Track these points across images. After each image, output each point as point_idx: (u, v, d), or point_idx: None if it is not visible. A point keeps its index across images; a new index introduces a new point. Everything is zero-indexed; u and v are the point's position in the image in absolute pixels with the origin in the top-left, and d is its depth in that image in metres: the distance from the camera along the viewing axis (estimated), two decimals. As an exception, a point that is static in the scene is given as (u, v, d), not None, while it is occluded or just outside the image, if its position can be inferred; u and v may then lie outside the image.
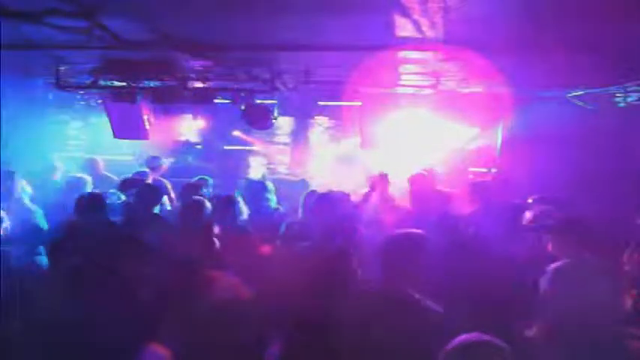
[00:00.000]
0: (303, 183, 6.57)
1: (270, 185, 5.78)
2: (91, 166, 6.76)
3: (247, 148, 9.05)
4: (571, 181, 5.41)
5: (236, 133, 8.68)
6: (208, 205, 4.40)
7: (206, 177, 6.29)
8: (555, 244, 3.30)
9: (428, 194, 5.13)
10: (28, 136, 7.54)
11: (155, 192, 4.97)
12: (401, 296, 2.60)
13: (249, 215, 4.77)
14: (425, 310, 2.55)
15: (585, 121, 5.75)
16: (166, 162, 7.23)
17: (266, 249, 3.91)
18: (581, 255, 3.15)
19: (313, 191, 5.17)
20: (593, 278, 3.02)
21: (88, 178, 5.83)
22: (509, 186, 5.44)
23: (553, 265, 3.17)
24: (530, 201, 4.47)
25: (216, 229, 3.62)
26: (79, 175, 5.93)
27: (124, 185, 5.52)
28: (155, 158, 6.99)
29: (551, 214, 3.76)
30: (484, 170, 7.29)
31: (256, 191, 5.60)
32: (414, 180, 5.41)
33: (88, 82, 5.80)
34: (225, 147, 8.80)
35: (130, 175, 6.17)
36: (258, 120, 6.47)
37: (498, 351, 1.99)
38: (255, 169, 9.00)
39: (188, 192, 5.28)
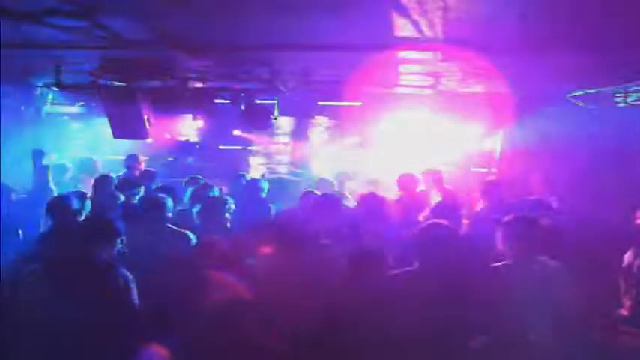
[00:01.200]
0: (323, 182, 6.31)
1: (265, 184, 5.79)
2: (89, 167, 6.72)
3: (245, 147, 9.04)
4: (571, 181, 5.41)
5: (236, 132, 8.68)
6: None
7: (198, 176, 6.27)
8: (501, 242, 3.32)
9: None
10: (28, 137, 7.56)
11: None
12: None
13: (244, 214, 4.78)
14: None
15: (586, 122, 5.75)
16: (143, 160, 7.17)
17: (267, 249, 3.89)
18: (523, 254, 3.17)
19: (310, 192, 5.15)
20: (527, 278, 3.04)
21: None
22: (509, 187, 5.44)
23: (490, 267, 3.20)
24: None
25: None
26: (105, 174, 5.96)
27: (123, 185, 5.50)
28: (132, 157, 6.93)
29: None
30: (484, 170, 7.29)
31: (253, 190, 5.58)
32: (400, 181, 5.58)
33: (87, 82, 5.79)
34: (221, 147, 8.76)
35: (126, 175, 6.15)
36: (258, 120, 6.48)
37: None
38: (255, 169, 9.00)
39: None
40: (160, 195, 4.35)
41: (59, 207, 4.07)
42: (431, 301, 2.62)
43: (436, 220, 3.19)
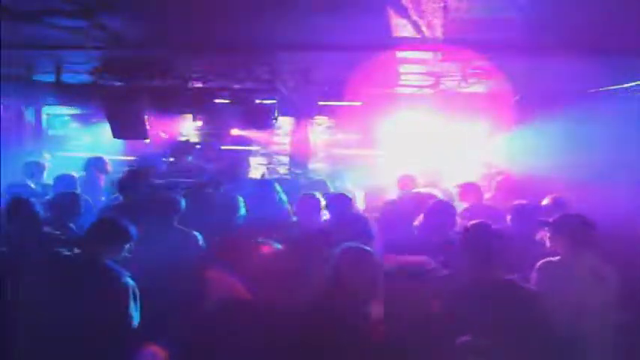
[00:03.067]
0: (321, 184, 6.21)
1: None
2: (97, 166, 6.54)
3: (245, 147, 9.02)
4: (572, 181, 5.39)
5: (236, 132, 8.66)
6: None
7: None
8: (551, 241, 3.29)
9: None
10: (29, 137, 7.57)
11: None
12: None
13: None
14: None
15: (587, 121, 5.73)
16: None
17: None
18: (576, 252, 3.13)
19: (311, 194, 4.93)
20: (579, 277, 3.01)
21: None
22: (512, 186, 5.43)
23: (540, 262, 3.17)
24: (545, 202, 4.44)
25: None
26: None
27: (122, 186, 5.41)
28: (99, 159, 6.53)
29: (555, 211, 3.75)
30: (484, 170, 7.27)
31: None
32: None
33: (88, 82, 5.80)
34: (222, 147, 8.73)
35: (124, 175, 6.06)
36: (259, 120, 6.49)
37: None
38: (255, 169, 8.99)
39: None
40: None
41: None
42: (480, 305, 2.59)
43: (483, 221, 3.09)
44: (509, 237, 3.73)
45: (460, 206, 5.10)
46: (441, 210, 3.92)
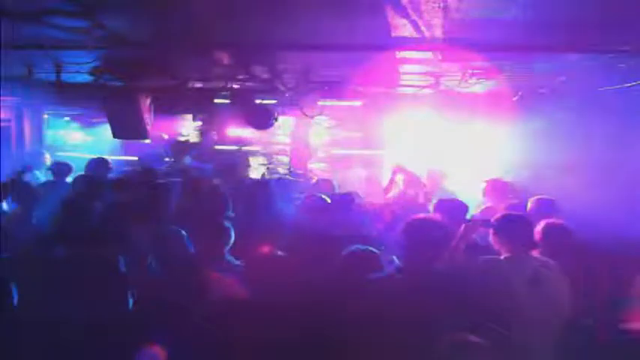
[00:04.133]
0: (323, 183, 6.06)
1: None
2: (101, 167, 6.29)
3: (245, 147, 9.00)
4: (570, 181, 5.40)
5: (235, 132, 8.65)
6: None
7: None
8: (493, 241, 3.28)
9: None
10: (28, 137, 7.57)
11: None
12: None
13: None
14: None
15: (587, 120, 5.74)
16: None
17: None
18: (516, 253, 3.11)
19: (314, 195, 4.95)
20: (516, 278, 2.99)
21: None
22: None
23: (478, 262, 3.16)
24: (529, 204, 4.43)
25: None
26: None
27: (120, 185, 5.38)
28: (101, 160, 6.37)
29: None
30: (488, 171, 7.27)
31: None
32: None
33: (88, 82, 5.79)
34: (221, 147, 8.70)
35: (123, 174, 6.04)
36: (258, 120, 6.48)
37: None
38: (255, 169, 8.99)
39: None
40: None
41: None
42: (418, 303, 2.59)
43: (427, 215, 3.12)
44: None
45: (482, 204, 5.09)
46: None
